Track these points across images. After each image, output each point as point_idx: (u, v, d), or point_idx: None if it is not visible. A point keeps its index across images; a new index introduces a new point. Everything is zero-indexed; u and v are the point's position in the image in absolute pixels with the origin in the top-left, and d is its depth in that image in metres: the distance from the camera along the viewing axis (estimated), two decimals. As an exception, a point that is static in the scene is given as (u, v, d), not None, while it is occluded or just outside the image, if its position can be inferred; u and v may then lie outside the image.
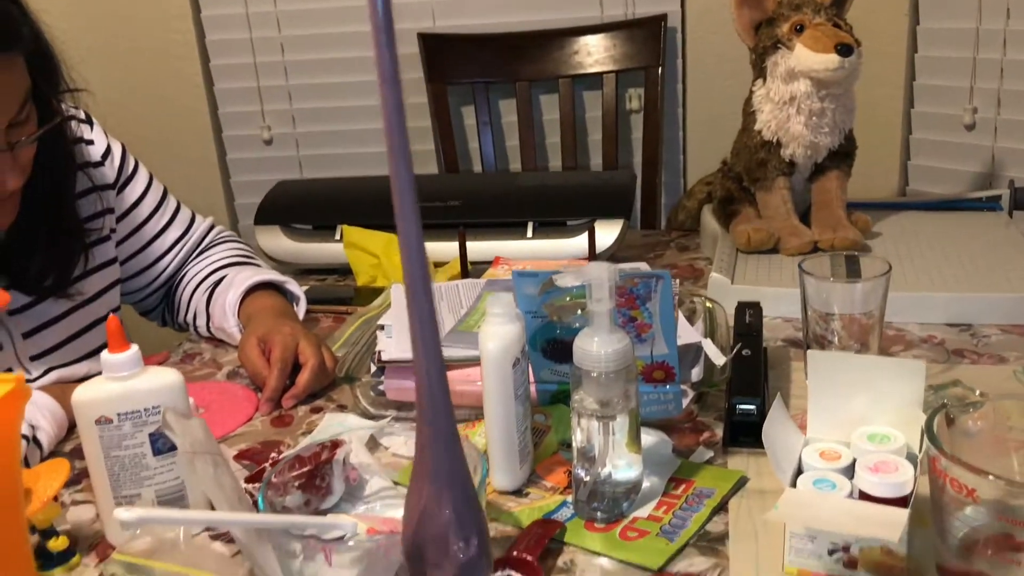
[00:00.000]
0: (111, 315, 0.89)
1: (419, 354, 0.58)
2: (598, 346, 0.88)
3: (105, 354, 0.88)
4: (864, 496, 0.77)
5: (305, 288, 1.46)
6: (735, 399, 1.02)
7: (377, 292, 1.47)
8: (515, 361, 0.94)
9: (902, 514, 0.73)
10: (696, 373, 1.11)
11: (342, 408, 1.17)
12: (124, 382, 0.88)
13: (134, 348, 0.89)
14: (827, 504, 0.77)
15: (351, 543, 0.78)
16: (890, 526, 0.72)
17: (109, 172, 1.33)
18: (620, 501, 0.92)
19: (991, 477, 0.68)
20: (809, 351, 0.96)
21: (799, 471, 0.83)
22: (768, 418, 0.83)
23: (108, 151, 1.34)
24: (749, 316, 1.17)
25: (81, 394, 0.88)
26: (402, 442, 1.06)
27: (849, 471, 0.81)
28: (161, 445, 0.90)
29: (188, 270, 1.44)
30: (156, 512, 0.71)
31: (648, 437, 1.03)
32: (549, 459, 1.01)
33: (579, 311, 1.00)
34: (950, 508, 0.74)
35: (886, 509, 0.75)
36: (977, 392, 0.78)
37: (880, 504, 0.76)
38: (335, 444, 0.95)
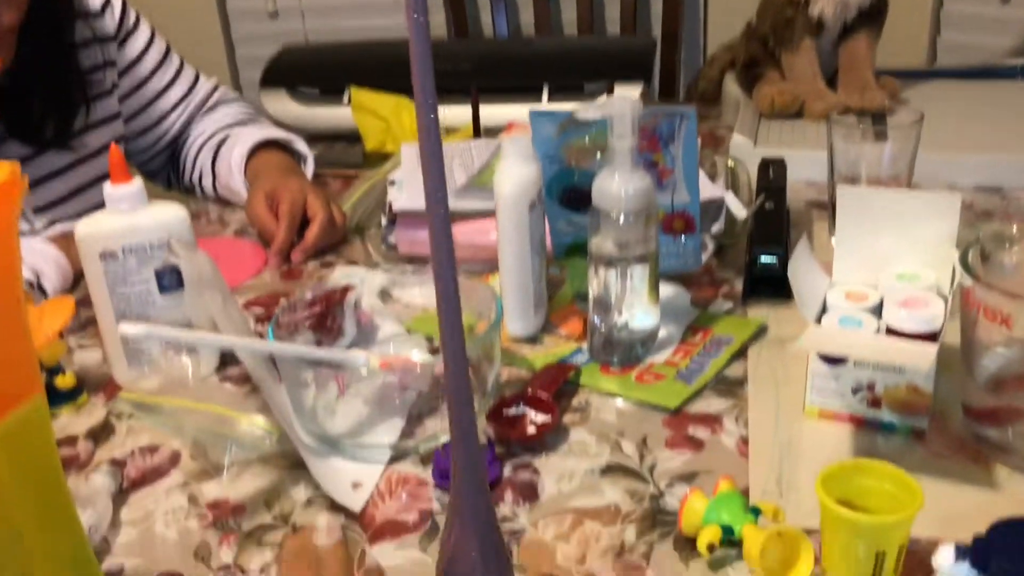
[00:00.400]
0: (112, 144, 0.85)
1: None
2: (618, 185, 0.84)
3: (108, 186, 0.85)
4: (892, 332, 0.75)
5: (313, 154, 1.42)
6: (756, 249, 0.99)
7: (386, 157, 1.44)
8: (531, 204, 0.91)
9: (931, 348, 0.71)
10: (717, 228, 1.08)
11: (353, 264, 1.15)
12: (128, 215, 0.85)
13: (137, 180, 0.86)
14: (853, 339, 0.75)
15: (364, 372, 0.76)
16: (919, 356, 0.69)
17: (109, 23, 1.28)
18: (636, 348, 0.90)
19: (1029, 302, 0.65)
20: (839, 186, 0.93)
21: (823, 311, 0.80)
22: (793, 257, 0.80)
23: (108, 2, 1.29)
24: (773, 171, 1.13)
25: (84, 227, 0.86)
26: (415, 293, 1.03)
27: (876, 311, 0.78)
28: (167, 283, 0.88)
29: (193, 130, 1.40)
30: (162, 329, 0.69)
31: (666, 289, 1.01)
32: (564, 309, 0.99)
33: (598, 155, 0.96)
34: (981, 344, 0.71)
35: (915, 344, 0.72)
36: (1015, 228, 0.75)
37: (909, 339, 0.74)
38: (346, 288, 0.93)
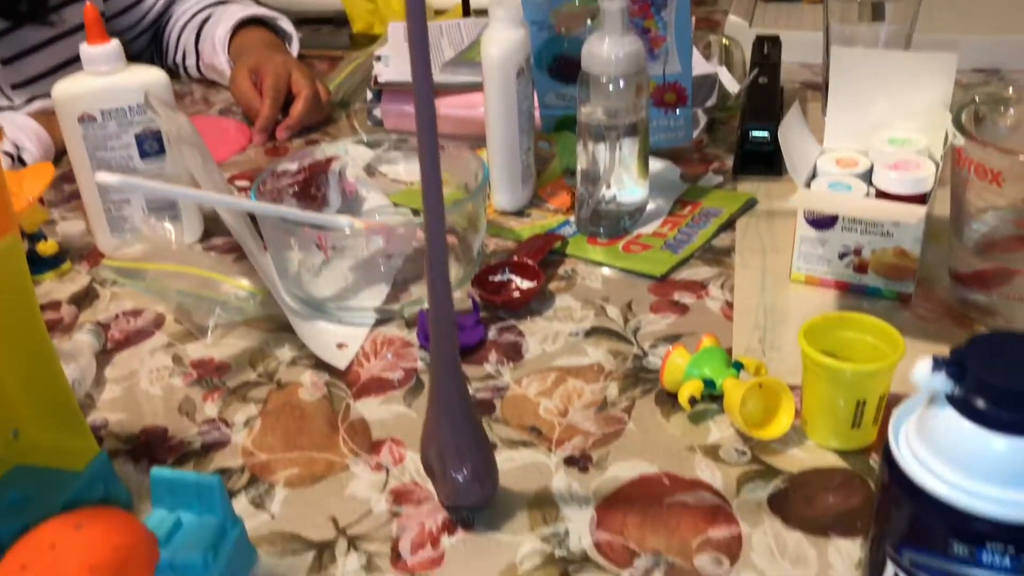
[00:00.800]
0: (88, 3, 0.83)
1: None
2: (608, 48, 0.82)
3: (84, 46, 0.83)
4: (881, 195, 0.74)
5: (298, 36, 1.39)
6: (748, 125, 0.97)
7: (374, 39, 1.40)
8: (519, 70, 0.89)
9: (920, 208, 0.70)
10: (709, 103, 1.06)
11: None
12: (107, 77, 0.83)
13: (115, 42, 0.84)
14: (843, 200, 0.74)
15: (348, 232, 0.76)
16: (908, 214, 0.69)
17: None
18: (623, 220, 0.89)
19: (1021, 157, 0.64)
20: (834, 47, 0.91)
21: (813, 177, 0.79)
22: (784, 122, 0.79)
23: None
24: (767, 47, 1.10)
25: (62, 90, 0.84)
26: (401, 169, 1.02)
27: (867, 177, 0.77)
28: (148, 148, 0.86)
29: (176, 9, 1.36)
30: (140, 180, 0.68)
31: (656, 163, 0.99)
32: (552, 183, 0.98)
33: (588, 21, 0.94)
34: (971, 206, 0.71)
35: (904, 205, 0.72)
36: (1011, 90, 0.73)
37: (897, 205, 0.73)
38: (331, 158, 0.91)
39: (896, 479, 0.39)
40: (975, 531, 0.36)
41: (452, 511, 0.59)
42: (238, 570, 0.55)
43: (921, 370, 0.37)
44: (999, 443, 0.36)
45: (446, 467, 0.56)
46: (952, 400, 0.37)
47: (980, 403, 0.36)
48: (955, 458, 0.37)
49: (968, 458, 0.37)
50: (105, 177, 0.64)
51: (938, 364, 0.37)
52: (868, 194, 0.76)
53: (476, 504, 0.58)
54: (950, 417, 0.37)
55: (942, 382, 0.37)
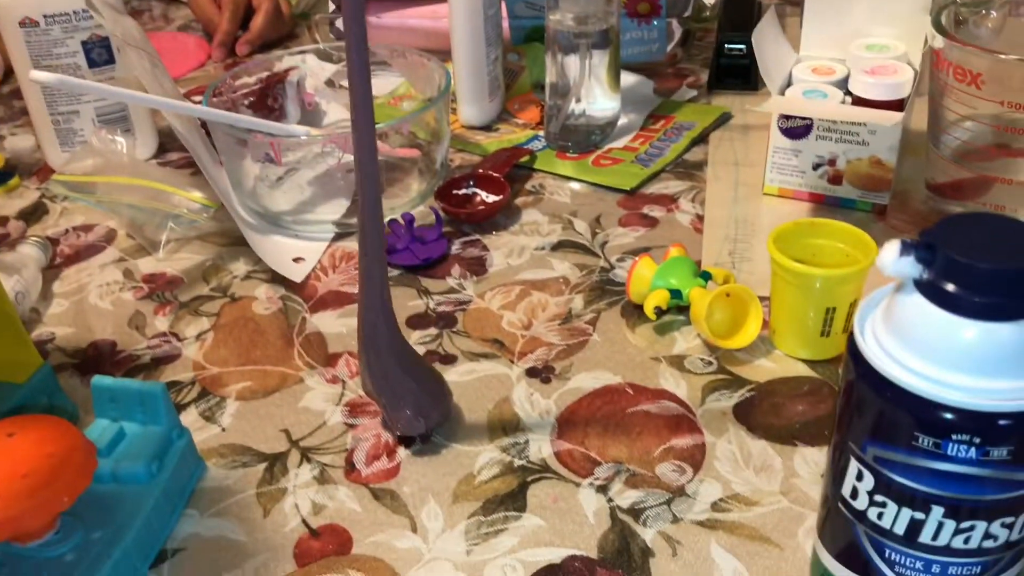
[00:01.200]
0: None
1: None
2: (577, -50, 0.79)
3: (23, -55, 0.78)
4: (858, 101, 0.71)
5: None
6: (724, 36, 0.94)
7: (342, -44, 1.35)
8: (485, -24, 0.85)
9: (897, 113, 0.68)
10: (684, 13, 1.03)
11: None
12: (48, -21, 0.79)
13: (58, -59, 0.79)
14: (818, 106, 0.71)
15: (305, 139, 0.72)
16: (885, 118, 0.66)
17: None
18: (594, 135, 0.86)
19: (1002, 56, 0.62)
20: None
21: (788, 85, 0.77)
22: (758, 28, 0.76)
23: None
24: (745, -42, 1.07)
25: (1, -8, 0.79)
26: (365, 83, 0.98)
27: (842, 85, 0.75)
28: (97, 56, 0.82)
29: (132, -79, 1.31)
30: (80, 80, 0.64)
31: (628, 77, 0.96)
32: (521, 97, 0.95)
33: (558, -75, 0.90)
34: (950, 115, 0.68)
35: (880, 111, 0.69)
36: (993, -8, 0.70)
37: (873, 110, 0.70)
38: (289, 68, 0.88)
39: (861, 372, 0.37)
40: (942, 422, 0.35)
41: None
42: (184, 481, 0.53)
43: (888, 254, 0.35)
44: (969, 329, 0.34)
45: (385, 405, 0.54)
46: (920, 285, 0.35)
47: (950, 287, 0.34)
48: (922, 347, 0.35)
49: (936, 346, 0.35)
50: (40, 75, 0.61)
51: (906, 247, 0.35)
52: (844, 102, 0.73)
53: (424, 433, 0.56)
54: (918, 304, 0.35)
55: (910, 266, 0.35)
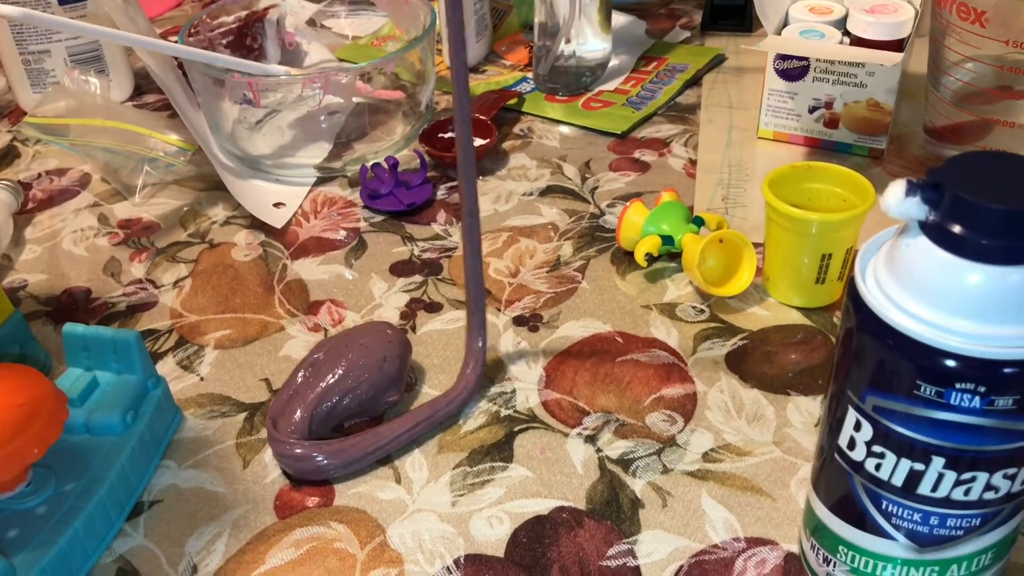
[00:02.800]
0: None
1: None
2: None
3: None
4: (856, 42, 0.69)
5: None
6: (718, -24, 0.91)
7: None
8: (472, -90, 0.82)
9: (897, 53, 0.66)
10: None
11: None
12: (13, -90, 0.76)
13: None
14: (815, 45, 0.69)
15: (284, 78, 0.70)
16: (884, 58, 0.64)
17: None
18: (584, 77, 0.84)
19: (1007, -7, 0.60)
20: None
21: (785, 25, 0.74)
22: (756, -35, 0.73)
23: None
24: None
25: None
26: (346, 23, 0.95)
27: (840, 25, 0.72)
28: (67, -7, 0.79)
29: None
30: (46, 16, 0.61)
31: (620, 18, 0.94)
32: (509, 38, 0.92)
33: None
34: (952, 56, 0.66)
35: (879, 52, 0.67)
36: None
37: (873, 50, 0.68)
38: (268, 7, 0.84)
39: (861, 318, 0.35)
40: (945, 370, 0.33)
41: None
42: (161, 431, 0.51)
43: (893, 195, 0.33)
44: (976, 273, 0.32)
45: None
46: (926, 227, 0.34)
47: (957, 229, 0.32)
48: (926, 292, 0.34)
49: (941, 291, 0.33)
50: (4, 9, 0.58)
51: (912, 187, 0.33)
52: (842, 42, 0.71)
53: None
54: (923, 247, 0.34)
55: (916, 207, 0.33)
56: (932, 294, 0.33)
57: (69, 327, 0.51)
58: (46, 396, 0.44)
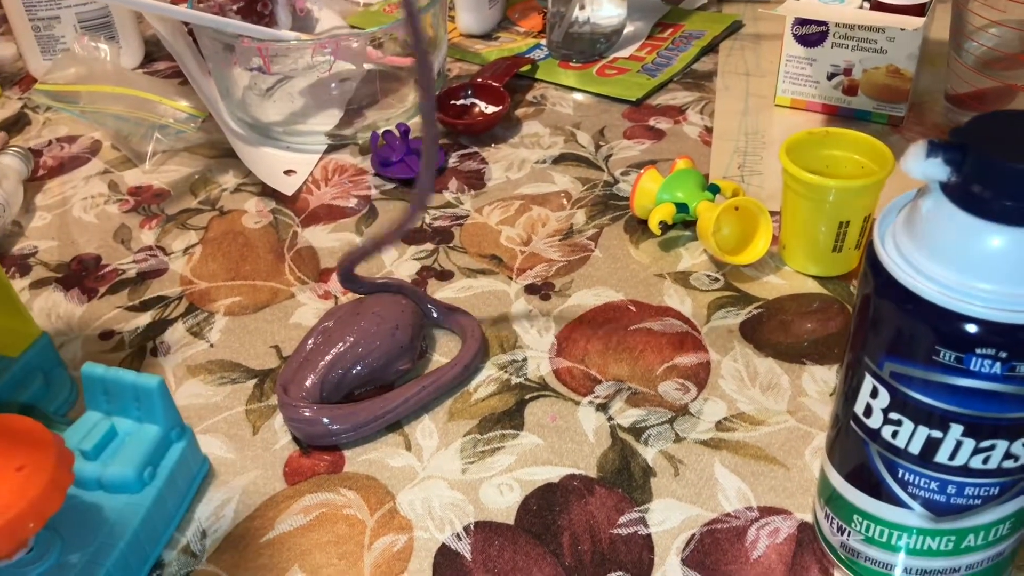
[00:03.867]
0: None
1: None
2: None
3: None
4: (877, 6, 0.68)
5: None
6: (736, -60, 0.90)
7: None
8: None
9: (918, 19, 0.64)
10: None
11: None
12: None
13: None
14: (835, 10, 0.67)
15: (294, 43, 0.69)
16: (906, 23, 0.63)
17: None
18: (598, 43, 0.83)
19: (1034, -45, 0.58)
20: None
21: (804, -9, 0.73)
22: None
23: None
24: None
25: None
26: (359, -12, 0.94)
27: (861, -11, 0.71)
28: (76, -42, 0.78)
29: None
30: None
31: (635, -16, 0.92)
32: (522, 4, 0.91)
33: None
34: (975, 20, 0.65)
35: (901, 16, 0.66)
36: None
37: (894, 15, 0.67)
38: (280, -27, 0.83)
39: (880, 282, 0.35)
40: (965, 335, 0.32)
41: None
42: (183, 488, 0.46)
43: (914, 155, 0.32)
44: (999, 236, 0.31)
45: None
46: (947, 189, 0.33)
47: (980, 190, 0.32)
48: (947, 255, 0.33)
49: (962, 254, 0.32)
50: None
51: (934, 148, 0.32)
52: (862, 7, 0.69)
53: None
54: (944, 209, 0.33)
55: (937, 168, 0.32)
56: (953, 257, 0.32)
57: (88, 368, 0.46)
58: (48, 460, 0.38)
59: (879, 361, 0.35)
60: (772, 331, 0.54)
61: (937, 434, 0.34)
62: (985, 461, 0.35)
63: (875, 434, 0.37)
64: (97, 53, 0.78)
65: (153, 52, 0.87)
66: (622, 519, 0.44)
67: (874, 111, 0.70)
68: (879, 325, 0.35)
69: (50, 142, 0.76)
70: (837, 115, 0.72)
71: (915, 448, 0.35)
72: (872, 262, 0.35)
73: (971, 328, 0.32)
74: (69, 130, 0.77)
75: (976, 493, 0.36)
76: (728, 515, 0.44)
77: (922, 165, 0.32)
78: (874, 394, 0.36)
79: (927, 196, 0.33)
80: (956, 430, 0.34)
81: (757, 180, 0.66)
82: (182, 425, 0.47)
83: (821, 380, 0.51)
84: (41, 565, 0.41)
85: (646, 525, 0.44)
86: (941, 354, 0.33)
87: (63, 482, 0.38)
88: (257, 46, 0.68)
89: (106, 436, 0.45)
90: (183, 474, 0.46)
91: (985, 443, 0.34)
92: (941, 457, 0.35)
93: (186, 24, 0.73)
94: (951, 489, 0.36)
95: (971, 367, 0.32)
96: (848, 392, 0.38)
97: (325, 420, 0.48)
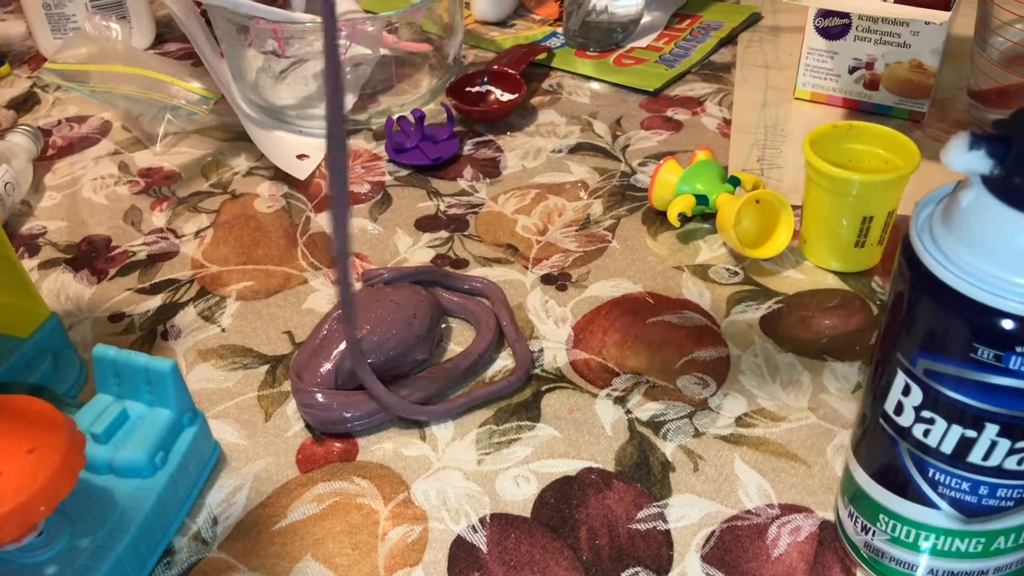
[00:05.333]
0: None
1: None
2: None
3: None
4: (900, 1, 0.67)
5: None
6: (756, -69, 0.89)
7: None
8: None
9: (943, 13, 0.63)
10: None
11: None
12: None
13: None
14: (859, 3, 0.66)
15: (309, 25, 0.68)
16: (931, 15, 0.62)
17: None
18: (615, 33, 0.82)
19: (1066, -51, 0.57)
20: None
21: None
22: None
23: None
24: None
25: None
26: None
27: (885, -18, 0.70)
28: (89, -65, 0.77)
29: None
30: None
31: (653, -26, 0.91)
32: (539, -8, 0.90)
33: None
34: (1001, 15, 0.64)
35: (926, 10, 0.65)
36: None
37: (919, 8, 0.66)
38: (294, -45, 0.82)
39: (916, 277, 0.34)
40: (1005, 332, 0.32)
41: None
42: (195, 470, 0.46)
43: (956, 148, 0.31)
44: (1042, 231, 0.31)
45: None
46: (990, 182, 0.32)
47: (1024, 184, 0.31)
48: (987, 250, 0.32)
49: (1003, 250, 0.31)
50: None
51: (977, 140, 0.31)
52: (886, 0, 0.68)
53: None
54: (986, 203, 0.32)
55: (980, 161, 0.31)
56: (993, 252, 0.31)
57: (100, 349, 0.45)
58: (60, 441, 0.37)
59: (912, 358, 0.34)
60: (792, 326, 0.53)
61: (971, 434, 0.34)
62: (1020, 462, 0.34)
63: (906, 432, 0.36)
64: (108, 32, 0.78)
65: (164, 33, 0.86)
66: (640, 514, 0.43)
67: (895, 106, 0.70)
68: (914, 321, 0.34)
69: (60, 122, 0.75)
70: (858, 109, 0.71)
71: (947, 447, 0.35)
72: (908, 256, 0.34)
73: (1011, 325, 0.31)
74: (79, 110, 0.77)
75: (1009, 495, 0.35)
76: (748, 512, 0.44)
77: (964, 157, 0.31)
78: (906, 391, 0.35)
79: (967, 189, 0.33)
80: (991, 430, 0.33)
81: (776, 174, 0.65)
82: (194, 410, 0.46)
83: (842, 377, 0.50)
84: (51, 549, 0.40)
85: (665, 521, 0.43)
86: (979, 351, 0.32)
87: (75, 465, 0.38)
88: (272, 28, 0.67)
89: (117, 419, 0.44)
90: (195, 459, 0.45)
91: (1021, 444, 0.33)
92: (974, 457, 0.34)
93: (199, 4, 0.72)
94: (983, 490, 0.35)
95: (1009, 365, 0.32)
96: (878, 389, 0.37)
97: (338, 406, 0.47)
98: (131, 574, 0.42)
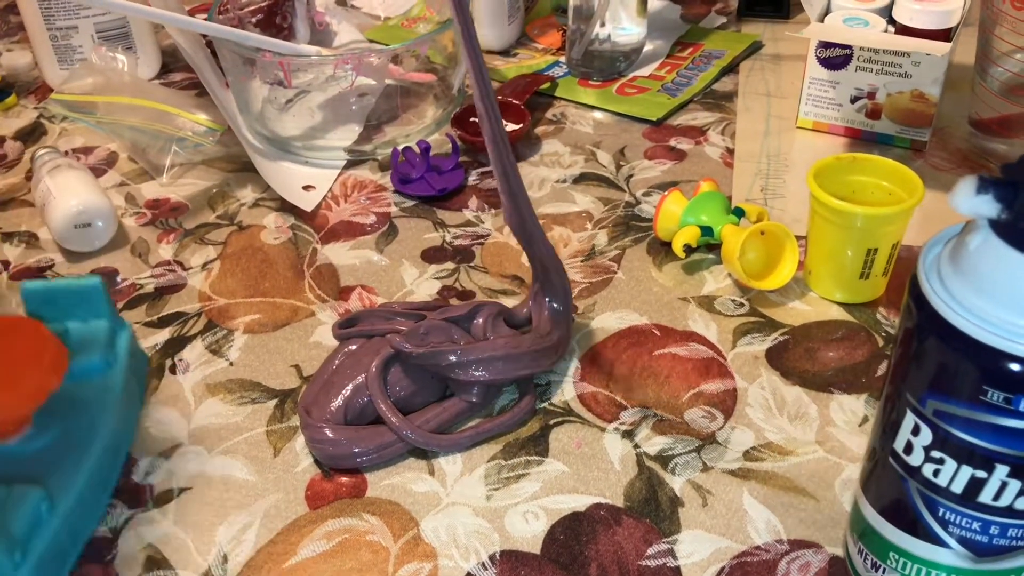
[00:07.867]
0: None
1: None
2: None
3: None
4: (902, 31, 0.67)
5: None
6: (757, -40, 0.90)
7: None
8: None
9: (944, 45, 0.64)
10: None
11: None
12: None
13: None
14: (859, 33, 0.67)
15: (315, 58, 0.69)
16: (931, 47, 0.62)
17: None
18: (618, 62, 0.82)
19: (1065, -17, 0.58)
20: None
21: (827, 12, 0.72)
22: (800, -50, 0.71)
23: None
24: None
25: None
26: (377, 2, 0.94)
27: (885, 13, 0.71)
28: (95, -32, 0.78)
29: None
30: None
31: (655, 2, 0.92)
32: (541, 20, 0.90)
33: None
34: (1002, 46, 0.64)
35: (927, 41, 0.65)
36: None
37: (920, 40, 0.66)
38: (298, -14, 0.83)
39: (924, 318, 0.34)
40: (1014, 375, 0.32)
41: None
42: (139, 372, 0.53)
43: (964, 191, 0.32)
44: (1050, 275, 0.31)
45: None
46: (997, 226, 0.32)
47: (1032, 229, 0.31)
48: (996, 293, 0.32)
49: (1012, 293, 0.32)
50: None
51: (984, 184, 0.32)
52: (887, 31, 0.69)
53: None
54: (993, 246, 0.32)
55: (987, 205, 0.32)
56: (1002, 295, 0.32)
57: (29, 284, 0.51)
58: (48, 345, 0.46)
59: (921, 398, 0.35)
60: (798, 358, 0.54)
61: (982, 474, 0.34)
62: (1030, 502, 0.34)
63: (915, 471, 0.36)
64: (114, 63, 0.78)
65: (170, 63, 0.86)
66: (650, 550, 0.44)
67: (897, 135, 0.70)
68: (922, 362, 0.34)
69: (66, 152, 0.75)
70: (860, 138, 0.71)
71: (958, 487, 0.35)
72: (916, 297, 0.34)
73: (1020, 368, 0.31)
74: (85, 141, 0.77)
75: (1020, 534, 0.35)
76: (758, 548, 0.44)
77: (971, 201, 0.32)
78: (915, 431, 0.35)
79: (975, 232, 0.33)
80: (1001, 470, 0.33)
81: (780, 204, 0.65)
82: (121, 320, 0.53)
83: (849, 410, 0.50)
84: (45, 437, 0.46)
85: (675, 557, 0.43)
86: (988, 394, 0.32)
87: (62, 364, 0.46)
88: (279, 60, 0.68)
89: (62, 336, 0.50)
90: (137, 361, 0.53)
91: (1031, 484, 0.33)
92: (985, 497, 0.34)
93: (205, 37, 0.73)
94: (994, 530, 0.35)
95: (1020, 408, 0.32)
96: (887, 427, 0.37)
97: (347, 441, 0.47)
98: (111, 459, 0.48)
